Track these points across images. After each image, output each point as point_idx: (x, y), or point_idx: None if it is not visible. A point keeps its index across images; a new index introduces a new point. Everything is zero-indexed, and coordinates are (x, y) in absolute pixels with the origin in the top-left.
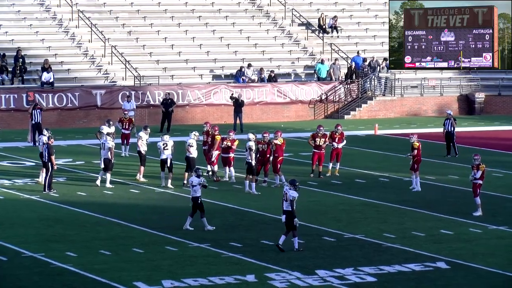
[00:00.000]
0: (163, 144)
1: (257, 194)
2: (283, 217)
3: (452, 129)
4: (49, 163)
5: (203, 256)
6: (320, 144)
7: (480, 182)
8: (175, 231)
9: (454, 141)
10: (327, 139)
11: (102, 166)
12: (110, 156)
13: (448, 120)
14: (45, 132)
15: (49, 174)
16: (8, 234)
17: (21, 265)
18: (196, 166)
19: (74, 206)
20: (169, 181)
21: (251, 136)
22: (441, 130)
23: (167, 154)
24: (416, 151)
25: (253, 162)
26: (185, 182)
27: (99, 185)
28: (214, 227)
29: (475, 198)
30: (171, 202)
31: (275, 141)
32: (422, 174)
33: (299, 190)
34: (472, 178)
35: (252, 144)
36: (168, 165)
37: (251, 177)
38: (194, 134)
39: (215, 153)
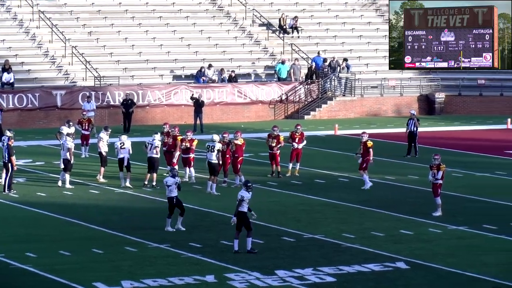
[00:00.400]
0: (120, 144)
1: (217, 195)
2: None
3: (415, 129)
4: (9, 164)
5: (162, 256)
6: (272, 144)
7: (441, 182)
8: (135, 231)
9: (416, 141)
10: (281, 139)
11: (62, 166)
12: (69, 157)
13: (411, 120)
14: (8, 133)
15: (9, 174)
16: None
17: None
18: (171, 166)
19: (34, 206)
20: (128, 180)
21: (215, 137)
22: (402, 130)
23: (124, 153)
24: (371, 150)
25: (221, 163)
26: (146, 182)
27: (60, 185)
28: (185, 229)
29: (435, 198)
30: (131, 202)
31: (235, 141)
32: (382, 174)
33: (252, 191)
34: (432, 178)
35: (219, 145)
36: (126, 164)
37: (213, 177)
38: (160, 135)
39: (177, 154)
